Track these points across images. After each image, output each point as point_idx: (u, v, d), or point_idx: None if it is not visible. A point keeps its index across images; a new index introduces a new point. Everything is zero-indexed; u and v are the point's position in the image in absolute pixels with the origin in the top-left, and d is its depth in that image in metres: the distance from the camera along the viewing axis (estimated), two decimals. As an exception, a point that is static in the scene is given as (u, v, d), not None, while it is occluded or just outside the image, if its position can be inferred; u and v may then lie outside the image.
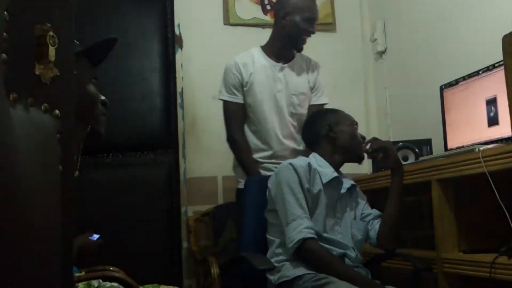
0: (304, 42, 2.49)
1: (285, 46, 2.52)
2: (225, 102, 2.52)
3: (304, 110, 2.54)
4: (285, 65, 2.53)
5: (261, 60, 2.52)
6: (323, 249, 1.88)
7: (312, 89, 2.57)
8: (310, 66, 2.59)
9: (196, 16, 3.16)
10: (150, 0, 3.18)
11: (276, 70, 2.51)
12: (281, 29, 2.49)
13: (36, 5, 0.63)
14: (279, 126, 2.48)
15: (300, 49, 2.52)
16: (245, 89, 2.49)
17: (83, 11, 2.77)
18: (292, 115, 2.51)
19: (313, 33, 2.47)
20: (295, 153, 2.45)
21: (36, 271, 0.59)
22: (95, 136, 1.21)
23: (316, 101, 2.57)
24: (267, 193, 2.04)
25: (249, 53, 2.55)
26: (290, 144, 2.50)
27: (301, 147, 2.48)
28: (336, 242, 1.95)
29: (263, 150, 2.49)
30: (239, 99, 2.50)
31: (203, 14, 3.20)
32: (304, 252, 1.85)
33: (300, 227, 1.85)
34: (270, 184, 2.02)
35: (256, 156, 2.48)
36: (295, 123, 2.52)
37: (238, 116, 2.48)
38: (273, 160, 2.45)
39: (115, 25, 2.98)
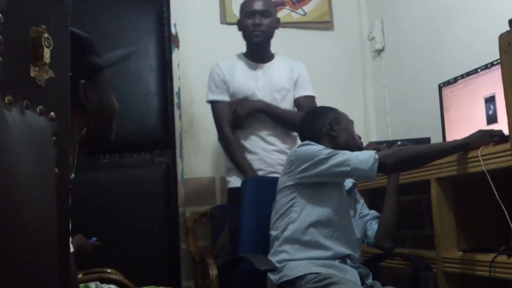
0: (256, 36, 2.51)
1: (251, 47, 2.57)
2: (213, 104, 2.54)
3: (287, 106, 2.56)
4: (264, 64, 2.58)
5: (241, 64, 2.58)
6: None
7: (296, 83, 2.59)
8: (291, 63, 2.63)
9: (193, 16, 3.15)
10: (146, 0, 3.17)
11: (255, 69, 2.56)
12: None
13: (31, 6, 0.62)
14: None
15: (255, 44, 2.54)
16: (230, 91, 2.52)
17: (79, 11, 2.76)
18: None
19: (259, 25, 2.48)
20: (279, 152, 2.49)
21: (32, 274, 0.58)
22: (103, 142, 1.21)
23: (303, 92, 2.59)
24: (287, 165, 1.97)
25: (231, 58, 2.61)
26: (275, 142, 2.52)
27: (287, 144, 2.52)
28: (344, 240, 1.92)
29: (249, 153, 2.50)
30: (226, 97, 2.51)
31: (200, 13, 3.18)
32: (386, 160, 1.79)
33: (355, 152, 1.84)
34: (293, 156, 1.95)
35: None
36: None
37: (227, 114, 2.48)
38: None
39: (112, 25, 2.97)
